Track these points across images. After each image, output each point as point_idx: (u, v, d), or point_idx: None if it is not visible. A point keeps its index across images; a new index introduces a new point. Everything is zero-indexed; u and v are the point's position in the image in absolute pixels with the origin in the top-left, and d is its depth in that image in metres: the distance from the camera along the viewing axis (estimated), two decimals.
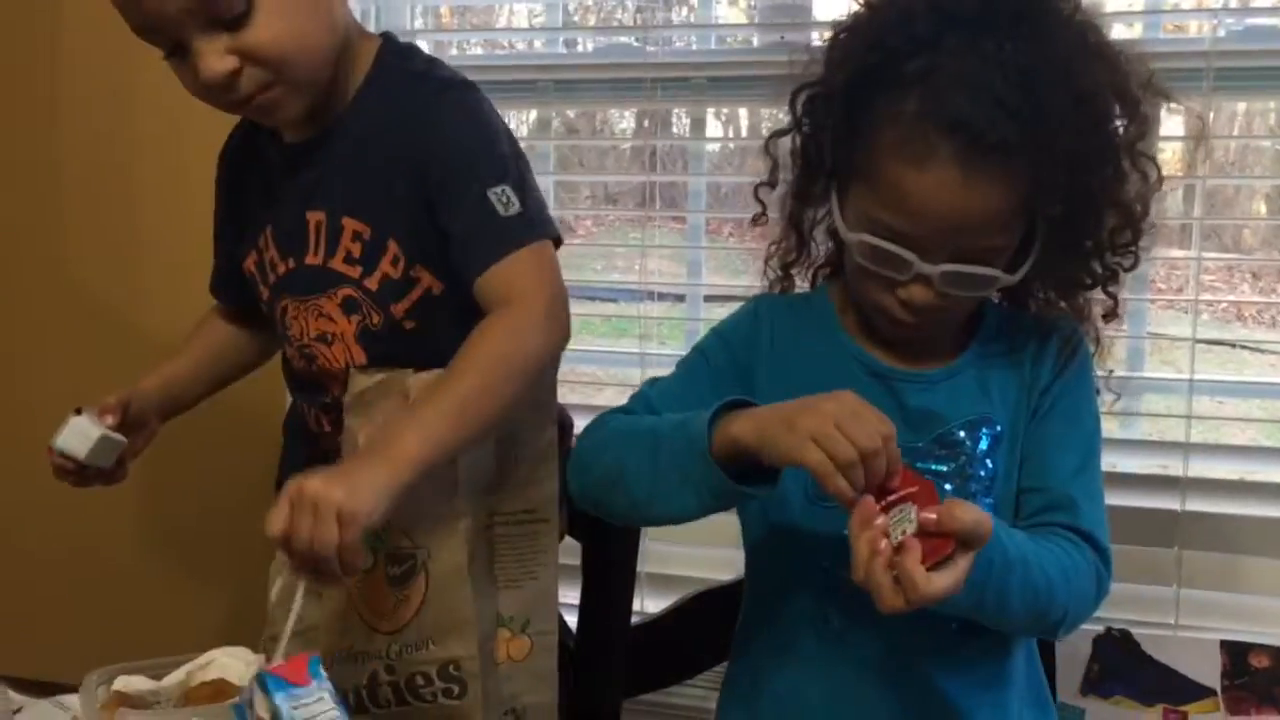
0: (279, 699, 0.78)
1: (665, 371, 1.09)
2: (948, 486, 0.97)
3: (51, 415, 1.53)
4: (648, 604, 1.51)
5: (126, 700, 0.88)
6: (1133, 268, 1.00)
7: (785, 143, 1.03)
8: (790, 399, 0.91)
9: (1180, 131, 1.50)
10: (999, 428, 0.99)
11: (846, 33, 0.97)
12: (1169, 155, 1.58)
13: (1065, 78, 0.88)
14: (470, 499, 0.93)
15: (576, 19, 1.90)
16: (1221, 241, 2.17)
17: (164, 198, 1.75)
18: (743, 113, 1.89)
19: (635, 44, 1.69)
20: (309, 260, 1.09)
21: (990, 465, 0.98)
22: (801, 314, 1.06)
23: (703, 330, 1.71)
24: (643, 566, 1.39)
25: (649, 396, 1.03)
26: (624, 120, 1.94)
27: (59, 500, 1.83)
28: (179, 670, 0.91)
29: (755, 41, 1.71)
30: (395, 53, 1.10)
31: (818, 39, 1.66)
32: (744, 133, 1.93)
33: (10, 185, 1.84)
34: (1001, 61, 0.88)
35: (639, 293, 1.67)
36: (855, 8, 0.97)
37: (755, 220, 1.07)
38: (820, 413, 0.83)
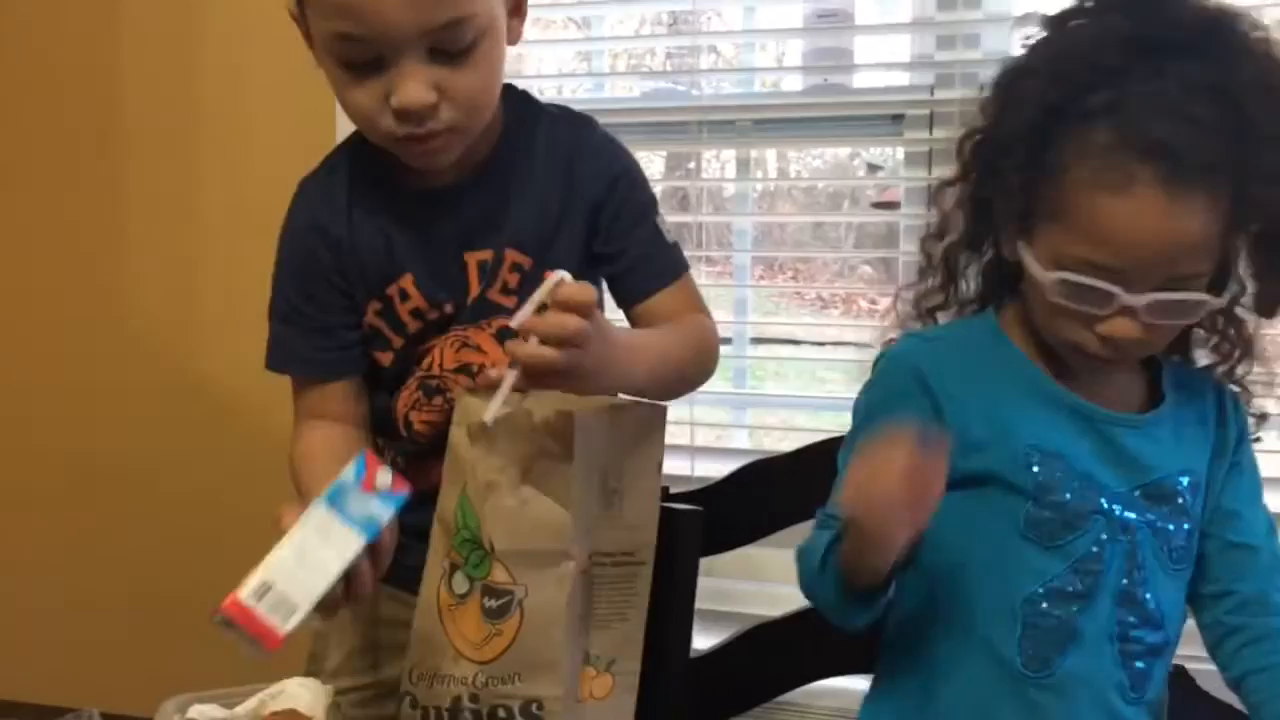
0: None
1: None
2: (1163, 540, 0.97)
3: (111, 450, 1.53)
4: (696, 640, 1.51)
5: None
6: None
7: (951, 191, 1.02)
8: (1001, 444, 0.95)
9: None
10: (1197, 479, 0.98)
11: (1019, 74, 0.96)
12: None
13: (1263, 90, 0.88)
14: (576, 542, 0.93)
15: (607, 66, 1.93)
16: None
17: (227, 218, 1.79)
18: (770, 155, 1.91)
19: (679, 88, 1.72)
20: (470, 298, 1.10)
21: (1196, 515, 0.98)
22: (976, 349, 1.01)
23: (749, 371, 1.75)
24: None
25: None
26: (654, 163, 1.97)
27: (115, 528, 1.89)
28: (251, 699, 0.91)
29: (800, 84, 1.73)
30: (519, 96, 1.14)
31: (859, 83, 1.71)
32: (773, 174, 1.96)
33: (72, 219, 1.88)
34: (1193, 82, 0.87)
35: None
36: (1024, 49, 0.97)
37: (923, 274, 1.06)
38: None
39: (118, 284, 1.88)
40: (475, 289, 1.09)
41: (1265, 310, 0.97)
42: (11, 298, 1.94)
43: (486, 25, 1.00)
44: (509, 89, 1.13)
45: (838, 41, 1.69)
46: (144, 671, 1.65)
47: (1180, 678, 1.39)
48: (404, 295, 1.10)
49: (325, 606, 0.88)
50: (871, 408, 1.01)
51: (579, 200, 1.09)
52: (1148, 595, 0.96)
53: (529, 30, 1.10)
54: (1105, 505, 0.95)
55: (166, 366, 1.86)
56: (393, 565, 1.04)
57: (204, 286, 1.83)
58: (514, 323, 0.91)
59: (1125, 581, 0.95)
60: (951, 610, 1.00)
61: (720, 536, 1.22)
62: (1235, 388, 1.02)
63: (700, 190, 1.73)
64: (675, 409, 1.68)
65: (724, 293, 1.76)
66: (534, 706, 0.92)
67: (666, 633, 1.18)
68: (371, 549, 0.89)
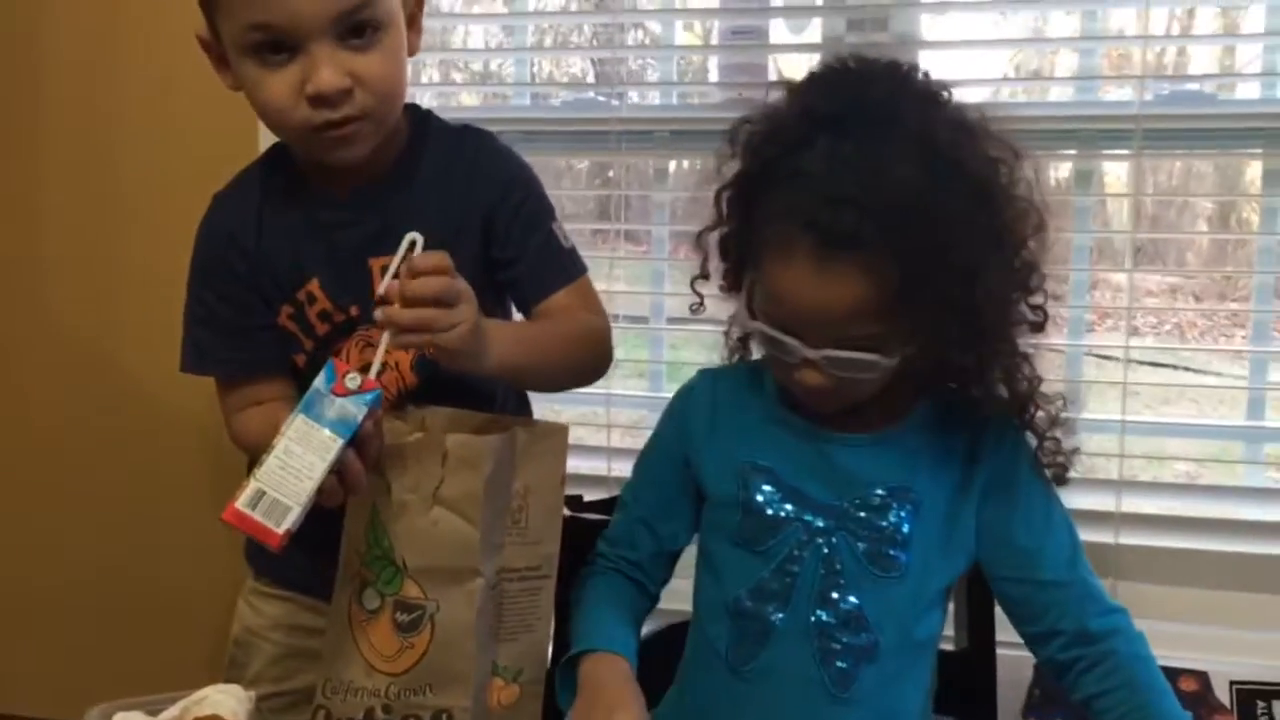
0: None
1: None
2: (860, 545, 1.04)
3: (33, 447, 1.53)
4: None
5: None
6: (1038, 328, 1.03)
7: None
8: (725, 465, 1.07)
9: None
10: (917, 496, 1.04)
11: (744, 133, 1.03)
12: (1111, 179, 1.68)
13: (919, 165, 0.93)
14: (485, 559, 0.98)
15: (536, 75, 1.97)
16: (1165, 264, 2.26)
17: (148, 227, 1.79)
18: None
19: (600, 99, 1.77)
20: (374, 301, 1.15)
21: (905, 530, 1.03)
22: (745, 383, 1.13)
23: (666, 350, 1.81)
24: None
25: (627, 508, 1.16)
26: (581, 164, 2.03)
27: (50, 540, 1.89)
28: (175, 706, 0.95)
29: (715, 98, 1.79)
30: (420, 113, 1.21)
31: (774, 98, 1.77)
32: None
33: None
34: (856, 159, 0.93)
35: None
36: (760, 108, 1.03)
37: (693, 310, 1.14)
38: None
39: (38, 290, 1.87)
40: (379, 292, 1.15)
41: (919, 366, 1.00)
42: None
43: (387, 19, 1.07)
44: (410, 107, 1.19)
45: (750, 58, 1.75)
46: (69, 678, 1.67)
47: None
48: (311, 299, 1.16)
49: (326, 500, 0.95)
50: (655, 428, 1.18)
51: (474, 207, 1.16)
52: (851, 598, 1.03)
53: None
54: (802, 514, 1.04)
55: (88, 370, 1.86)
56: (308, 574, 1.10)
57: (124, 292, 1.83)
58: (380, 290, 0.98)
59: (821, 584, 1.03)
60: (693, 618, 1.14)
61: None
62: (1024, 426, 1.05)
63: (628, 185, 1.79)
64: (593, 408, 1.76)
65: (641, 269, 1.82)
66: (444, 716, 0.96)
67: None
68: (358, 445, 0.95)
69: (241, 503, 0.91)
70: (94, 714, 0.95)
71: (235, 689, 0.98)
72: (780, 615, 1.05)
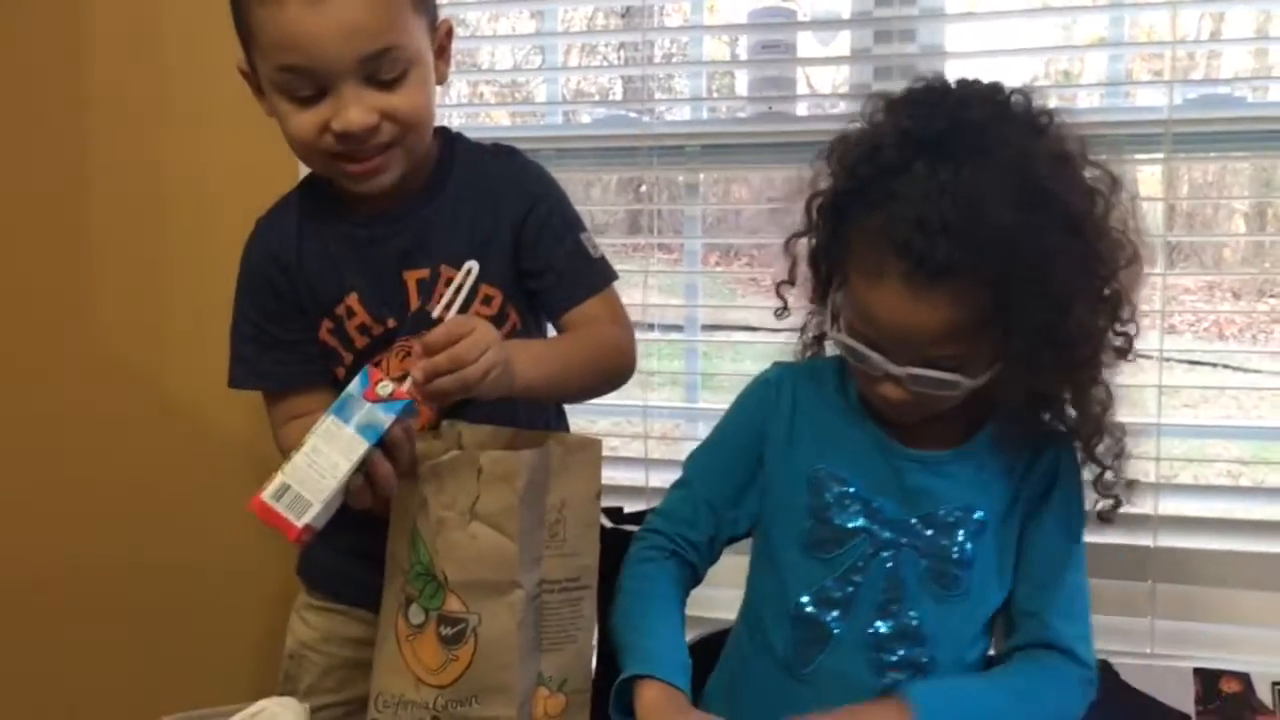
0: None
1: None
2: (924, 562, 1.06)
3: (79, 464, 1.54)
4: None
5: None
6: (1123, 354, 1.04)
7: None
8: (800, 469, 1.07)
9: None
10: (982, 517, 1.06)
11: (840, 150, 1.04)
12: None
13: (1016, 195, 0.94)
14: (524, 571, 1.00)
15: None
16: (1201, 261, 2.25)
17: (193, 250, 1.82)
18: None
19: (631, 115, 1.79)
20: (411, 313, 1.20)
21: (969, 549, 1.05)
22: (825, 382, 1.14)
23: (700, 360, 1.82)
24: None
25: (691, 486, 1.17)
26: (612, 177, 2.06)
27: (97, 557, 1.92)
28: (234, 719, 0.99)
29: (745, 112, 1.81)
30: (449, 134, 1.26)
31: (803, 110, 1.79)
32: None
33: (39, 247, 1.90)
34: (953, 187, 0.94)
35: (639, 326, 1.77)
36: (856, 125, 1.05)
37: (778, 315, 1.17)
38: None
39: (84, 300, 1.90)
40: (415, 303, 1.19)
41: (1006, 391, 1.02)
42: None
43: (414, 56, 1.11)
44: (440, 130, 1.24)
45: (779, 72, 1.77)
46: (127, 693, 1.69)
47: (1104, 671, 1.49)
48: (350, 313, 1.20)
49: (355, 502, 0.99)
50: (728, 413, 1.19)
51: (503, 221, 1.20)
52: (912, 613, 1.05)
53: None
54: (870, 526, 1.06)
55: (134, 384, 1.89)
56: (358, 589, 1.13)
57: (171, 313, 1.87)
58: (435, 312, 1.04)
59: (884, 596, 1.05)
60: (748, 616, 1.15)
61: None
62: (1088, 456, 1.07)
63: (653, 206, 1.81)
64: (630, 419, 1.77)
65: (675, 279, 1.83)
66: None
67: None
68: (388, 451, 0.99)
69: (267, 494, 0.96)
70: None
71: (291, 701, 1.02)
72: (842, 623, 1.06)
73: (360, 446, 0.97)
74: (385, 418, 0.98)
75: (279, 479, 0.96)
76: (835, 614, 1.07)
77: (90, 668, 1.94)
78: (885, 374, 1.01)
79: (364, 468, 0.98)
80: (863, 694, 1.05)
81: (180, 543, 1.89)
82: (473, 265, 1.06)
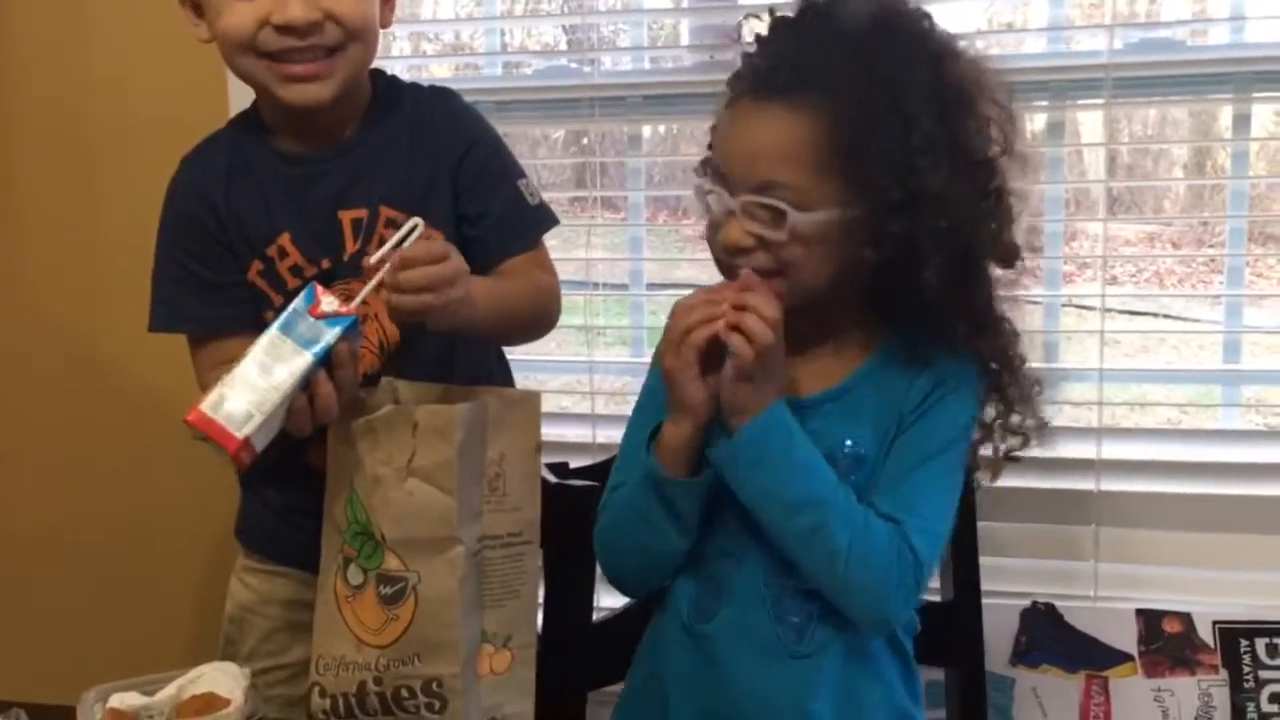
0: None
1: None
2: None
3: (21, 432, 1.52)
4: (605, 599, 1.58)
5: (121, 716, 0.94)
6: (1006, 263, 1.02)
7: None
8: None
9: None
10: (852, 447, 1.04)
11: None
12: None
13: (863, 25, 0.97)
14: (463, 527, 0.99)
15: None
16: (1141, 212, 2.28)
17: (121, 203, 1.78)
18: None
19: (572, 66, 1.76)
20: (347, 255, 1.17)
21: (852, 480, 1.02)
22: None
23: (646, 316, 1.81)
24: None
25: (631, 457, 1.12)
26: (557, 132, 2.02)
27: (41, 527, 1.89)
28: (170, 685, 0.97)
29: (686, 61, 1.78)
30: (387, 76, 1.24)
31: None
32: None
33: None
34: (805, 31, 0.99)
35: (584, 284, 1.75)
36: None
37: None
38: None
39: (14, 270, 1.87)
40: (351, 246, 1.17)
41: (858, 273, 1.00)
42: None
43: None
44: (377, 70, 1.22)
45: (721, 19, 1.74)
46: (64, 662, 1.67)
47: (1049, 613, 1.52)
48: (283, 253, 1.18)
49: (294, 423, 0.97)
50: (648, 374, 1.15)
51: (441, 165, 1.19)
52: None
53: None
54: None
55: (69, 350, 1.86)
56: (298, 549, 1.11)
57: (104, 273, 1.83)
58: (373, 259, 1.00)
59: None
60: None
61: None
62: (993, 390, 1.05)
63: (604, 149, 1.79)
64: (576, 376, 1.76)
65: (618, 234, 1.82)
66: (434, 684, 0.98)
67: (570, 602, 1.25)
68: (331, 371, 0.97)
69: (205, 405, 0.93)
70: (90, 696, 0.97)
71: (230, 666, 1.00)
72: (738, 575, 1.05)
73: (304, 360, 0.95)
74: (330, 333, 0.96)
75: (218, 389, 0.93)
76: (731, 565, 1.06)
77: (21, 636, 1.92)
78: (725, 211, 1.00)
79: (307, 386, 0.95)
80: (765, 642, 1.04)
81: (116, 505, 1.87)
82: (418, 221, 1.03)
